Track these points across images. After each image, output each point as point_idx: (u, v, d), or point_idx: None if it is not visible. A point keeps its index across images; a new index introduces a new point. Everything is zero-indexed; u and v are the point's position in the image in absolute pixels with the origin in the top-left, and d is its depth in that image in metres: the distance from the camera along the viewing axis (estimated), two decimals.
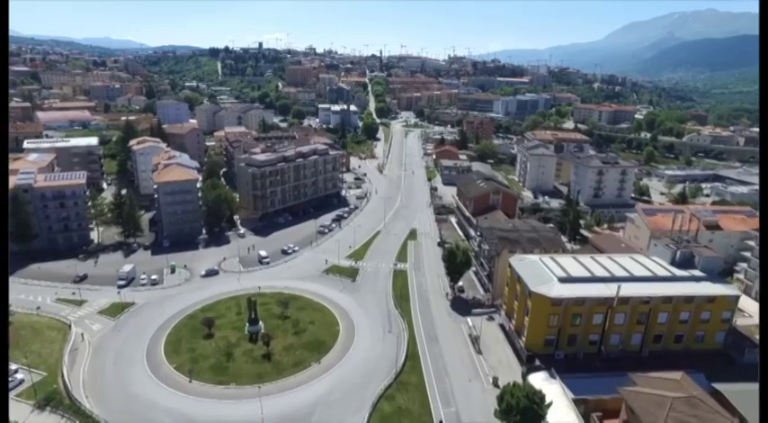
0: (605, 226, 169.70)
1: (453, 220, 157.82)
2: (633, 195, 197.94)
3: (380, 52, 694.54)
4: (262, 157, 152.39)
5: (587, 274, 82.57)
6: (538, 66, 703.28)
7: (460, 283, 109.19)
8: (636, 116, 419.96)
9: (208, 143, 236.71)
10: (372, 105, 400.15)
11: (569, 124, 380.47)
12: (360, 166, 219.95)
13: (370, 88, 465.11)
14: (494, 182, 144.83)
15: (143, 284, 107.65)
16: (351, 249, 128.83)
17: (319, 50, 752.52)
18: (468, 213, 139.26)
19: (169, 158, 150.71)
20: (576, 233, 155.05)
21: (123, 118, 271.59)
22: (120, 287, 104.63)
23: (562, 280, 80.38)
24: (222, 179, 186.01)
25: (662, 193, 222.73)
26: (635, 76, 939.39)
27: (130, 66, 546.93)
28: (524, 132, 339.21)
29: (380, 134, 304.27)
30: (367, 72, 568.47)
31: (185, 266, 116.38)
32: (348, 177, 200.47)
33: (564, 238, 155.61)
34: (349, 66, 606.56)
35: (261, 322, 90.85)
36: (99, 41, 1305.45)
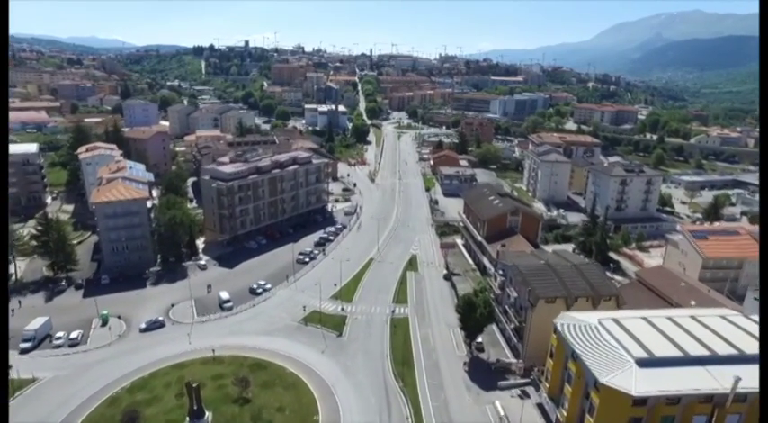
0: (633, 246, 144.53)
1: (459, 241, 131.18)
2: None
3: (370, 51, 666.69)
4: (229, 168, 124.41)
5: (676, 352, 56.03)
6: (531, 65, 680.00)
7: (479, 339, 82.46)
8: (638, 116, 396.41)
9: (179, 148, 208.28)
10: (362, 105, 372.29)
11: (570, 125, 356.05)
12: (349, 175, 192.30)
13: (360, 88, 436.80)
14: (510, 198, 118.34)
15: (58, 345, 79.49)
16: (336, 287, 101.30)
17: (308, 49, 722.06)
18: (480, 238, 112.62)
19: (117, 170, 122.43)
20: (605, 258, 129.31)
21: (87, 120, 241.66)
22: (23, 352, 76.47)
23: (642, 363, 53.88)
24: (191, 192, 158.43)
25: (683, 203, 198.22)
26: (626, 76, 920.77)
27: (108, 64, 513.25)
28: (525, 134, 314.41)
29: (371, 137, 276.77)
30: (357, 71, 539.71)
31: (119, 317, 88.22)
32: (335, 188, 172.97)
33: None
34: (338, 64, 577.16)
35: (208, 413, 63.46)
36: (85, 41, 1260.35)
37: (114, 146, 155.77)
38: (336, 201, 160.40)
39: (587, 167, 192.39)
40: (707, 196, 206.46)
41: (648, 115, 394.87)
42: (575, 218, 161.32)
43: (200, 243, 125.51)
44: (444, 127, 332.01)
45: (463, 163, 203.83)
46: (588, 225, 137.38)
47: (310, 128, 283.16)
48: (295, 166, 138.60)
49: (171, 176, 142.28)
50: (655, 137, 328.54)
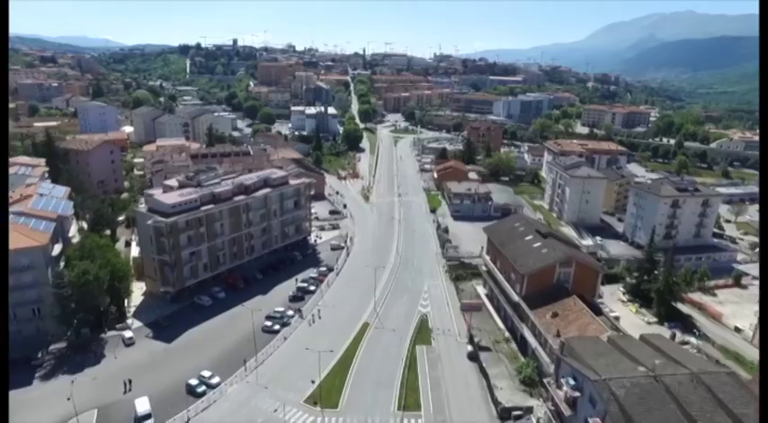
0: (695, 285, 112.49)
1: (482, 290, 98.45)
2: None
3: (364, 50, 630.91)
4: (173, 196, 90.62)
5: None
6: (529, 64, 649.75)
7: None
8: (649, 118, 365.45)
9: (138, 159, 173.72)
10: (355, 107, 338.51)
11: (580, 129, 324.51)
12: (338, 192, 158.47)
13: (352, 88, 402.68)
14: (554, 238, 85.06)
15: None
16: (314, 384, 67.94)
17: (300, 49, 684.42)
18: (515, 297, 79.83)
19: (19, 199, 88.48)
20: (670, 310, 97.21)
21: (38, 124, 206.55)
22: None
23: None
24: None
25: (727, 221, 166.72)
26: (622, 76, 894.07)
27: (84, 63, 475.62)
28: (534, 138, 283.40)
29: (365, 143, 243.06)
30: (349, 70, 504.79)
31: None
32: (321, 209, 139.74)
33: (642, 317, 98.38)
34: (330, 63, 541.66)
35: None
36: (74, 40, 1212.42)
37: (41, 161, 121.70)
38: (322, 229, 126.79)
39: (619, 181, 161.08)
40: (751, 212, 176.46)
41: (661, 117, 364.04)
42: (616, 248, 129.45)
43: (137, 296, 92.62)
44: (444, 130, 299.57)
45: (472, 175, 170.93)
46: (645, 265, 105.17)
47: (296, 132, 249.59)
48: (266, 190, 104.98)
49: (99, 205, 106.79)
50: (672, 141, 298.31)
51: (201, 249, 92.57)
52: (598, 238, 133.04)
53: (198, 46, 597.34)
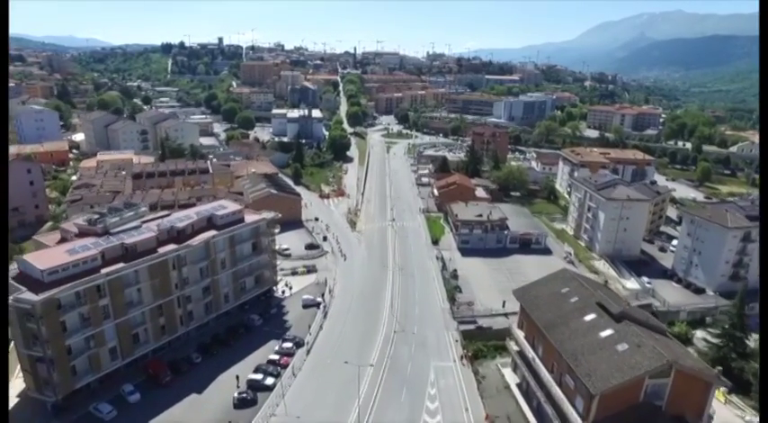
0: None
1: (509, 375, 68.51)
2: None
3: (354, 49, 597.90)
4: (55, 256, 59.24)
5: None
6: (525, 63, 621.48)
7: None
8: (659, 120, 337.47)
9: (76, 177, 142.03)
10: (344, 109, 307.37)
11: (589, 132, 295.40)
12: (317, 219, 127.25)
13: (341, 88, 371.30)
14: (635, 323, 54.65)
15: None
16: None
17: (289, 47, 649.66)
18: (577, 420, 49.83)
19: None
20: None
21: None
22: None
23: None
24: None
25: None
26: (619, 75, 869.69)
27: (56, 62, 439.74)
28: (539, 144, 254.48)
29: (353, 150, 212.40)
30: (339, 69, 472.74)
31: None
32: (295, 242, 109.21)
33: (738, 412, 68.91)
34: (318, 62, 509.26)
35: None
36: (61, 40, 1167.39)
37: None
38: (294, 273, 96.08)
39: (654, 200, 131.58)
40: None
41: (672, 119, 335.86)
42: (667, 292, 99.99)
43: (11, 398, 61.92)
44: (441, 134, 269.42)
45: (479, 192, 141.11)
46: (732, 331, 75.55)
47: (277, 139, 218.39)
48: (209, 234, 74.08)
49: None
50: (687, 144, 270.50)
51: (105, 330, 61.85)
52: (645, 278, 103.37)
53: (181, 44, 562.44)
